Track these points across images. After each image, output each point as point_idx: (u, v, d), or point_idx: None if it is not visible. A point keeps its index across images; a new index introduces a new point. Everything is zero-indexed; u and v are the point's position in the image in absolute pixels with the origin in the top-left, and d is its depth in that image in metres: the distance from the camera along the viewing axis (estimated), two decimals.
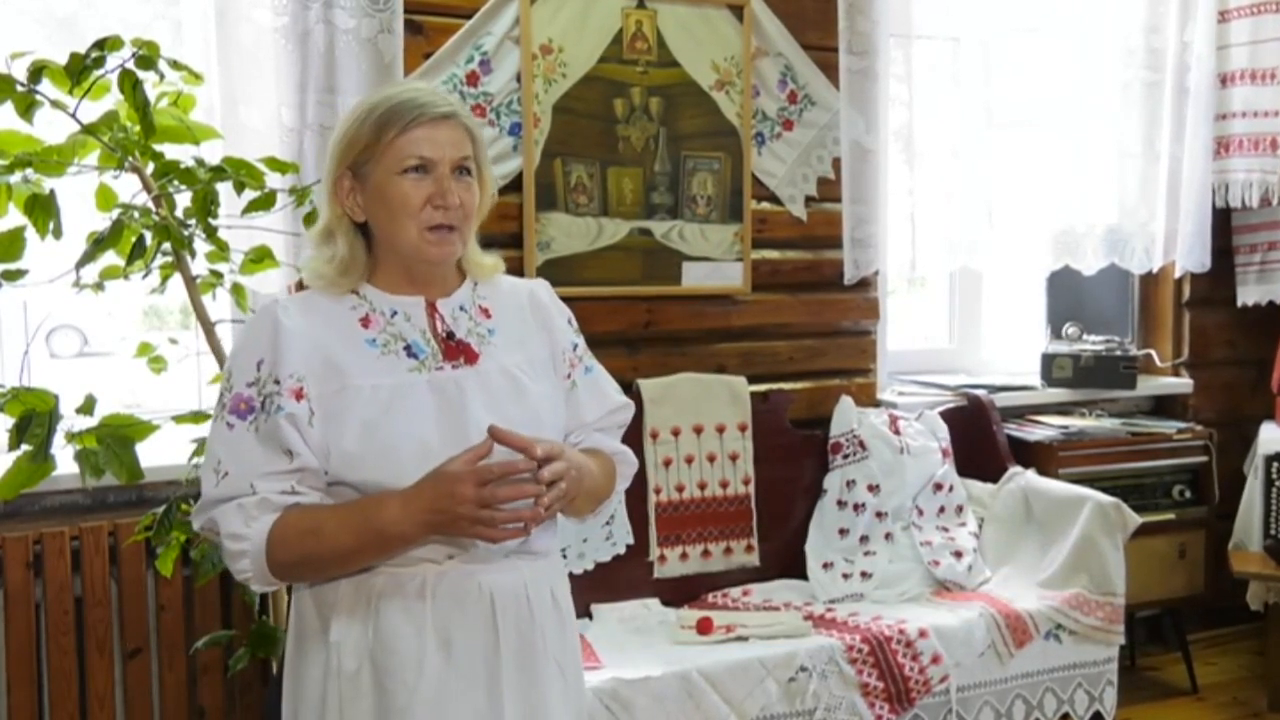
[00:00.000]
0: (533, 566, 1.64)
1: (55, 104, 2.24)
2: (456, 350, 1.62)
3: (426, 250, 1.58)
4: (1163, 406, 4.14)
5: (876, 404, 3.66)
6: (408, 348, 1.60)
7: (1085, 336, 3.93)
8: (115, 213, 2.28)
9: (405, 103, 1.57)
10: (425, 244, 1.58)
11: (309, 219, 2.43)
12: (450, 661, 1.56)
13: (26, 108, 2.21)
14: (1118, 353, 3.87)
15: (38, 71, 2.19)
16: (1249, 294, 4.08)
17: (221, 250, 2.43)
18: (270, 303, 1.63)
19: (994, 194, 3.77)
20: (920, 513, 3.41)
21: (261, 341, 1.56)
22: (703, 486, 3.28)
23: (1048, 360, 3.90)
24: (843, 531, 3.35)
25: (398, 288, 1.63)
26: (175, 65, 2.34)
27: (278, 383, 1.53)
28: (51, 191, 2.27)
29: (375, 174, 1.57)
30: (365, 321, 1.61)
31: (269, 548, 1.51)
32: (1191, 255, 3.95)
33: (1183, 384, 4.10)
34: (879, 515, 3.37)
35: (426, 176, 1.56)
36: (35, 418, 2.23)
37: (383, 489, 1.52)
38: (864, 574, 3.26)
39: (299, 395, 1.53)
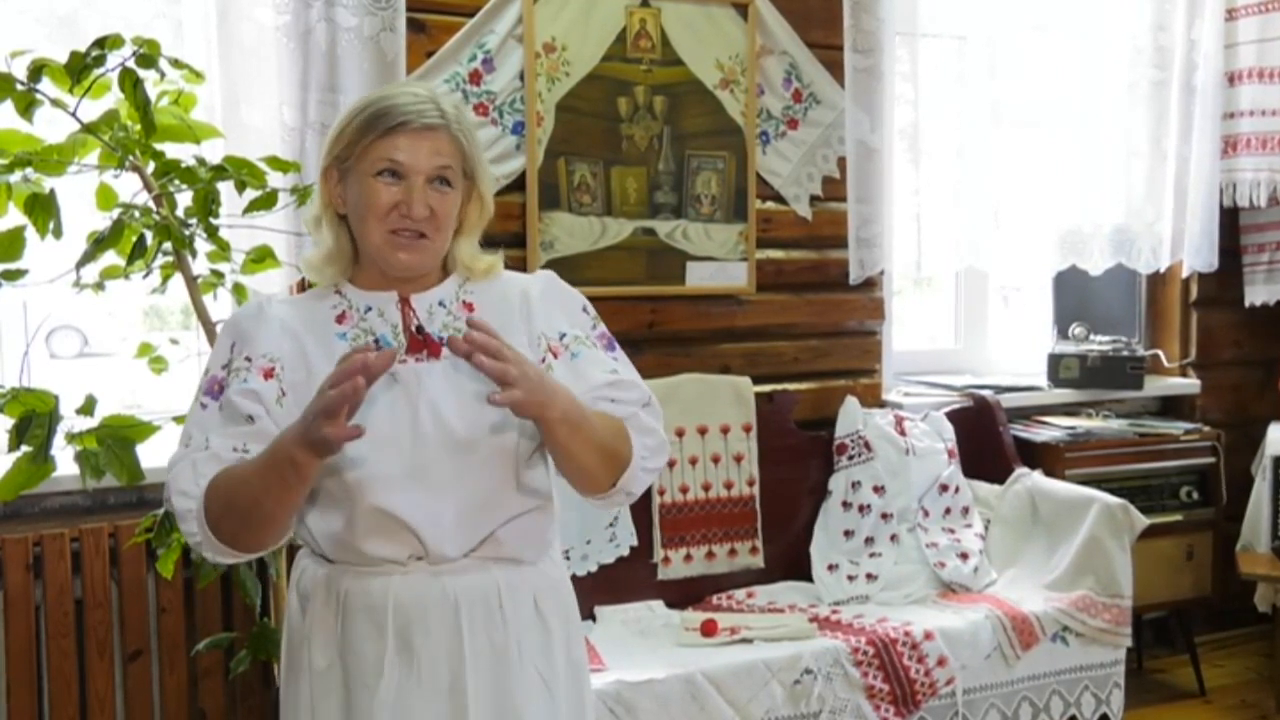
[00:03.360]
0: (509, 573, 1.60)
1: (55, 103, 2.22)
2: (420, 344, 1.61)
3: (389, 254, 1.59)
4: (1170, 407, 4.11)
5: (882, 405, 3.64)
6: (376, 341, 1.61)
7: (1092, 337, 3.91)
8: (116, 212, 2.26)
9: (393, 108, 1.57)
10: (389, 247, 1.58)
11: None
12: (411, 666, 1.55)
13: (26, 106, 2.20)
14: (1124, 353, 3.85)
15: (38, 70, 2.18)
16: (1257, 294, 4.06)
17: (223, 250, 2.42)
18: (259, 296, 1.69)
19: (1000, 193, 3.74)
20: (926, 514, 3.39)
21: (239, 328, 1.62)
22: (707, 488, 3.26)
23: (1054, 361, 3.88)
24: (848, 533, 3.33)
25: (375, 284, 1.65)
26: (176, 64, 2.33)
27: (249, 360, 1.57)
28: (51, 191, 2.26)
29: (354, 172, 1.58)
30: (341, 318, 1.63)
31: (205, 501, 1.50)
32: (1199, 255, 3.93)
33: (1190, 384, 4.07)
34: (884, 517, 3.35)
35: (398, 182, 1.56)
36: (35, 419, 2.22)
37: (338, 474, 1.53)
38: (869, 576, 3.24)
39: (268, 374, 1.57)
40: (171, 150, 2.38)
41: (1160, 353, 4.11)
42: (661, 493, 3.21)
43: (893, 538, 3.34)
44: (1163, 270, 3.97)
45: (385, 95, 1.60)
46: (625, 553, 3.12)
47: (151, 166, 2.33)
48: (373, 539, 1.55)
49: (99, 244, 2.23)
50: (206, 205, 2.33)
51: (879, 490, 3.36)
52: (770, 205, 3.47)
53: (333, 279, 1.65)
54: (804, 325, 3.55)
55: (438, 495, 1.54)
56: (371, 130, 1.56)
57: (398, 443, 1.54)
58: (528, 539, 1.63)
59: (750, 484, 3.31)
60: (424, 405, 1.56)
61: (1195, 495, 3.71)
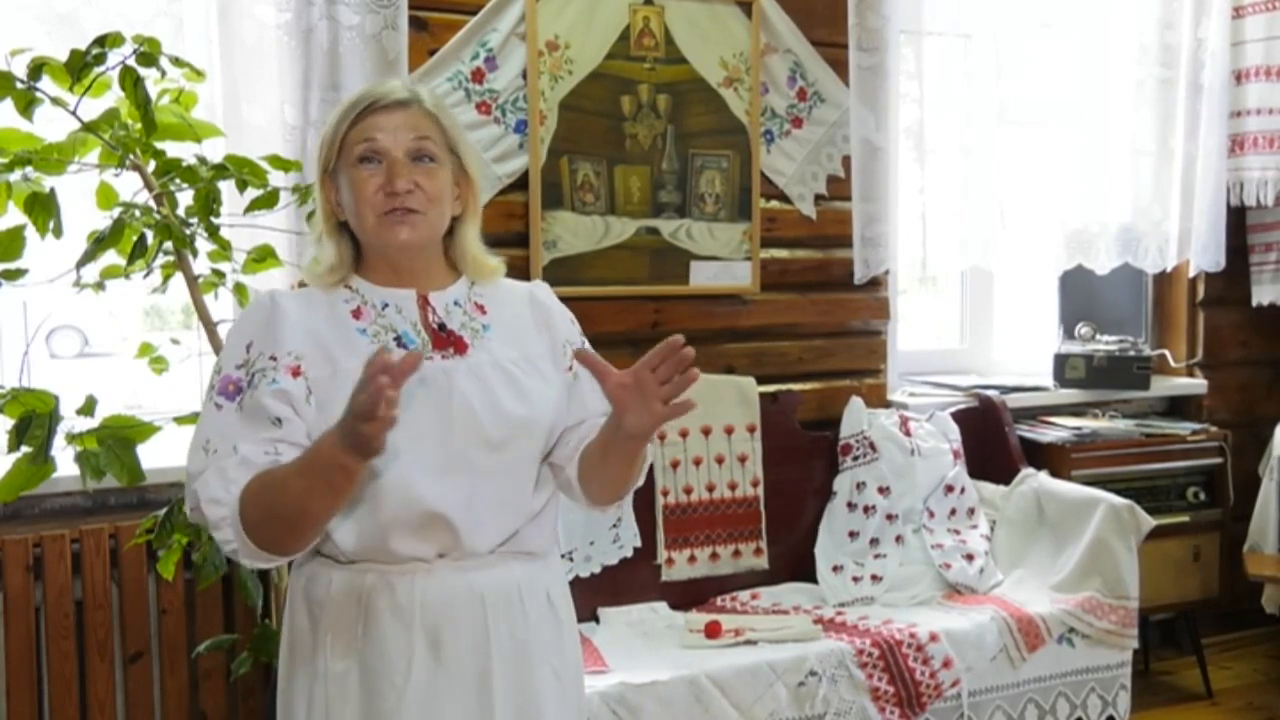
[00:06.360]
0: (527, 567, 1.63)
1: (56, 101, 2.21)
2: (446, 341, 1.61)
3: (384, 234, 1.57)
4: (1177, 407, 4.10)
5: (887, 405, 3.62)
6: (398, 338, 1.59)
7: (1098, 336, 3.90)
8: (116, 211, 2.26)
9: (360, 96, 1.61)
10: (382, 228, 1.57)
11: (312, 217, 2.41)
12: (440, 663, 1.55)
13: (26, 105, 2.19)
14: (1131, 353, 3.83)
15: (38, 68, 2.17)
16: (1264, 293, 4.04)
17: (223, 249, 2.41)
18: (267, 291, 1.64)
19: (1006, 192, 3.73)
20: (931, 515, 3.38)
21: (253, 325, 1.58)
22: (711, 488, 3.25)
23: (1060, 360, 3.86)
24: (853, 534, 3.31)
25: (388, 281, 1.63)
26: (177, 62, 2.32)
27: (274, 359, 1.53)
28: (52, 190, 2.25)
29: (340, 170, 1.59)
30: (357, 313, 1.61)
31: (241, 508, 1.47)
32: (1206, 254, 3.91)
33: (1197, 385, 4.06)
34: (889, 518, 3.34)
35: (380, 165, 1.56)
36: (35, 419, 2.21)
37: (373, 473, 1.51)
38: (874, 577, 3.22)
39: (296, 372, 1.53)
40: (172, 149, 2.37)
41: (1167, 353, 4.09)
42: (665, 493, 3.19)
43: (898, 539, 3.33)
44: (1169, 270, 3.95)
45: (355, 91, 1.64)
46: (629, 554, 3.10)
47: (152, 165, 2.33)
48: (403, 536, 1.55)
49: (99, 243, 2.22)
50: (207, 204, 2.32)
51: (884, 491, 3.34)
52: (774, 204, 3.46)
53: (335, 286, 1.63)
54: (808, 325, 3.54)
55: (473, 490, 1.55)
56: (344, 122, 1.58)
57: (433, 439, 1.53)
58: (543, 534, 1.67)
59: (754, 485, 3.30)
60: (457, 404, 1.56)
61: (1202, 496, 3.70)
